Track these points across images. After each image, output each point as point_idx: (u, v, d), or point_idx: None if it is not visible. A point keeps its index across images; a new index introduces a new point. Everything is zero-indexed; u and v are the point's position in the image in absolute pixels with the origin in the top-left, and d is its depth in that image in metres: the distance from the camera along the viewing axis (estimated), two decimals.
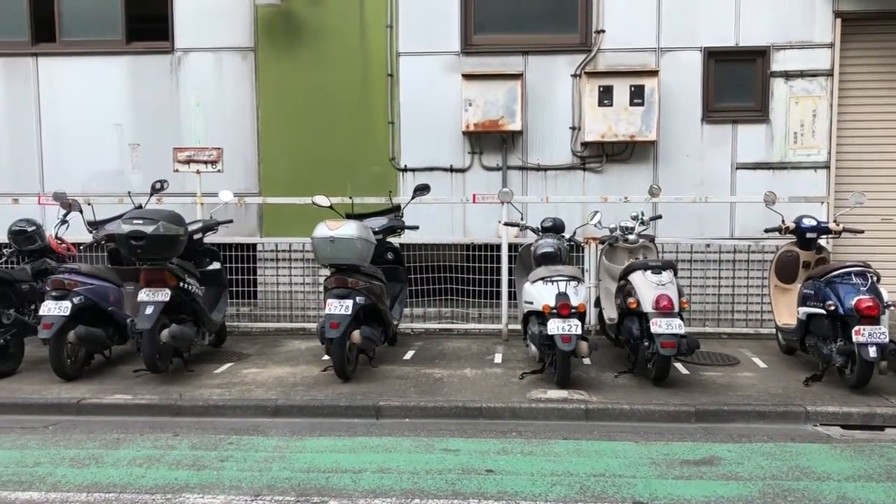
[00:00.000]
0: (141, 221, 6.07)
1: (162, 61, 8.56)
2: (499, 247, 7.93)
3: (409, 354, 7.22)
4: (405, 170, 8.45)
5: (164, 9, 8.52)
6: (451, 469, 4.53)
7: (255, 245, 8.51)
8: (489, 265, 8.09)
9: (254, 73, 8.49)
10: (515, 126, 8.10)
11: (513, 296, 7.80)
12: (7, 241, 7.29)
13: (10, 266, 7.21)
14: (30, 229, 7.27)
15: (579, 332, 5.84)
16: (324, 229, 6.21)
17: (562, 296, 5.92)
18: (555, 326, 5.83)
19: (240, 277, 8.31)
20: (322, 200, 6.98)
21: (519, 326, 6.89)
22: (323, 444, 5.03)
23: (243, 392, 6.04)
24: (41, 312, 6.28)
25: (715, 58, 8.19)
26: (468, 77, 8.14)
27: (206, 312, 6.83)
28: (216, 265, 7.37)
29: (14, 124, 8.69)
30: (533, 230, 7.03)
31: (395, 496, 4.14)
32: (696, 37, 8.17)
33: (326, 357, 7.08)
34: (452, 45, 8.34)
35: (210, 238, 7.36)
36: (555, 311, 5.88)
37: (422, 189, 7.30)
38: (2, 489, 4.28)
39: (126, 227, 6.06)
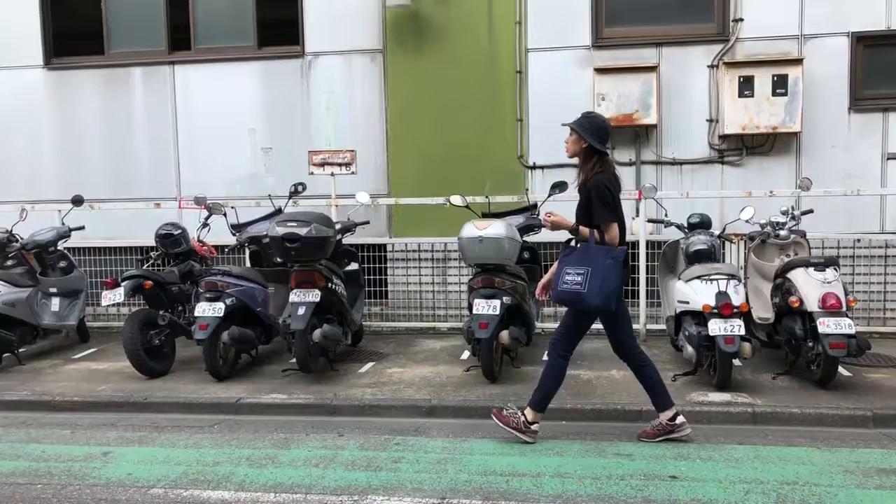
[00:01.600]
0: (295, 224, 6.16)
1: (293, 65, 8.70)
2: (633, 244, 7.74)
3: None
4: (534, 167, 8.36)
5: (294, 13, 8.66)
6: (632, 474, 4.41)
7: (384, 245, 8.56)
8: None
9: (382, 74, 8.54)
10: (650, 120, 7.89)
11: (651, 294, 7.62)
12: (154, 244, 7.52)
13: (157, 269, 7.44)
14: (175, 232, 7.47)
15: (742, 332, 5.62)
16: (472, 229, 6.17)
17: (722, 295, 5.71)
18: (717, 327, 5.62)
19: (370, 277, 8.36)
20: (458, 200, 6.95)
21: (657, 326, 6.75)
22: (490, 447, 4.97)
23: (394, 392, 6.05)
24: (196, 314, 6.43)
25: (864, 43, 7.79)
26: (600, 71, 7.98)
27: (350, 312, 6.90)
28: (354, 266, 7.44)
29: (153, 131, 8.98)
30: (678, 227, 6.82)
31: (584, 502, 4.04)
32: (844, 21, 7.78)
33: (465, 357, 7.09)
34: (583, 40, 8.19)
35: (345, 239, 7.43)
36: (715, 310, 5.67)
37: (558, 186, 7.16)
38: (193, 488, 4.38)
39: (280, 230, 6.16)
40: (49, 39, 9.11)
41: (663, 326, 7.22)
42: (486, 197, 7.23)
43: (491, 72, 8.36)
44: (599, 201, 4.68)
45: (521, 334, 6.32)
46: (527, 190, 7.93)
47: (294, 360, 6.64)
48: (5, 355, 7.25)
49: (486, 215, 6.89)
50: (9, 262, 7.56)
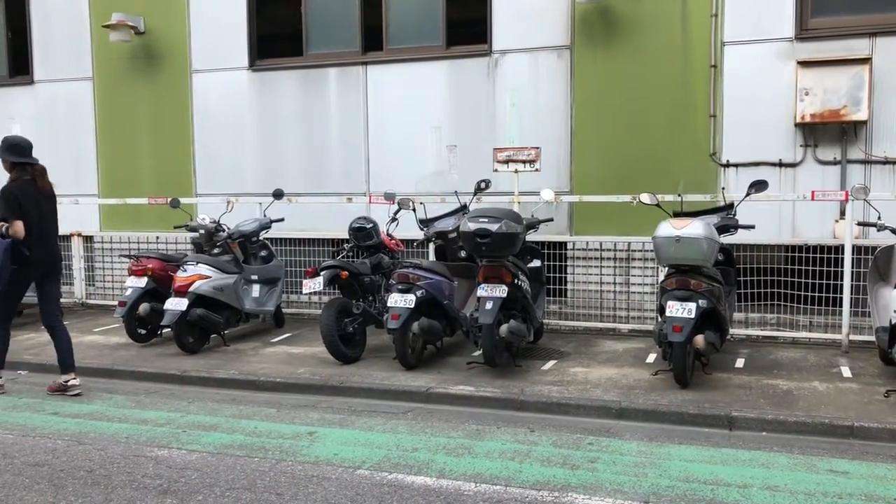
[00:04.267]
0: (486, 220, 6.25)
1: (479, 64, 8.82)
2: (835, 248, 7.25)
3: (740, 362, 6.80)
4: (727, 165, 8.00)
5: (483, 12, 8.77)
6: (850, 493, 4.12)
7: (564, 243, 8.50)
8: (821, 268, 7.40)
9: (569, 71, 8.48)
10: (860, 115, 7.33)
11: (856, 303, 7.09)
12: (347, 236, 7.87)
13: (350, 260, 7.76)
14: (368, 226, 7.77)
15: None
16: (668, 228, 5.99)
17: None
18: None
19: (549, 275, 8.32)
20: (647, 198, 6.79)
21: (860, 337, 6.25)
22: (688, 453, 4.81)
23: (581, 391, 5.99)
24: (388, 304, 6.67)
25: None
26: (804, 64, 7.51)
27: (533, 308, 6.91)
28: (537, 263, 7.43)
29: (345, 129, 9.41)
30: (893, 231, 6.29)
31: None
32: None
33: (651, 360, 6.91)
34: (785, 31, 7.74)
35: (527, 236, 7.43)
36: None
37: (758, 185, 6.82)
38: (396, 471, 4.55)
39: (472, 225, 6.27)
40: (254, 43, 9.75)
41: (870, 337, 6.71)
42: (679, 195, 7.00)
43: (683, 67, 8.08)
44: (4, 203, 6.09)
45: (716, 339, 6.07)
46: (723, 189, 7.60)
47: (478, 352, 6.75)
48: (212, 336, 7.84)
49: (678, 214, 6.68)
50: (216, 251, 8.18)
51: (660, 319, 6.34)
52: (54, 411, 5.98)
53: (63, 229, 9.89)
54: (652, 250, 6.95)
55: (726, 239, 6.89)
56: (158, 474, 4.58)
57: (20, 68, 11.00)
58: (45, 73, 10.76)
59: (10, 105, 10.99)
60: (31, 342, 8.17)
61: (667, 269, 6.39)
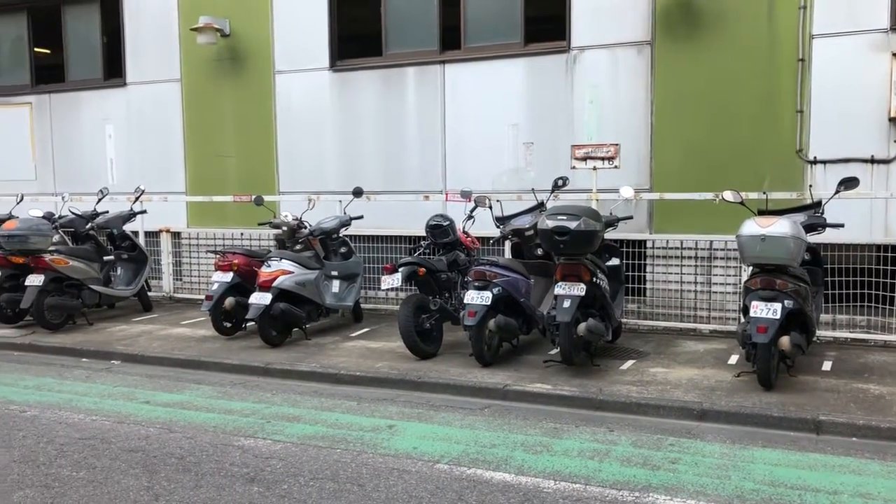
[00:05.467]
0: (565, 217, 6.23)
1: (557, 60, 8.78)
2: None
3: (827, 365, 6.58)
4: (814, 162, 7.75)
5: (561, 9, 8.73)
6: None
7: (644, 241, 8.38)
8: None
9: (649, 66, 8.35)
10: None
11: None
12: (424, 234, 7.95)
13: (427, 257, 7.84)
14: (445, 223, 7.83)
15: None
16: (753, 226, 5.85)
17: None
18: None
19: (627, 274, 8.21)
20: (731, 196, 6.63)
21: None
22: (773, 457, 4.70)
23: (661, 392, 5.91)
24: (465, 301, 6.71)
25: None
26: None
27: (612, 307, 6.84)
28: (616, 261, 7.35)
29: (422, 127, 9.50)
30: None
31: None
32: None
33: (733, 361, 6.76)
34: (879, 22, 7.44)
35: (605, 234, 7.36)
36: None
37: (847, 182, 6.57)
38: (475, 467, 4.59)
39: (550, 223, 6.25)
40: (335, 43, 9.94)
41: None
42: (764, 193, 6.82)
43: (768, 61, 7.86)
44: None
45: (802, 341, 5.90)
46: (810, 186, 7.37)
47: (555, 351, 6.73)
48: (294, 330, 8.04)
49: (763, 212, 6.51)
50: (297, 247, 8.38)
51: (743, 320, 6.19)
52: (146, 400, 6.25)
53: (152, 225, 10.42)
54: (735, 249, 6.81)
55: (813, 238, 6.67)
56: (245, 463, 4.74)
57: (114, 71, 11.50)
58: (137, 75, 11.22)
59: (104, 106, 11.50)
60: (123, 333, 8.54)
61: (751, 268, 6.24)
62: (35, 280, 8.37)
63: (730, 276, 7.96)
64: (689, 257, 8.18)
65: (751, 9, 7.89)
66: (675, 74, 8.25)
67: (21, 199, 10.33)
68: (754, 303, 5.81)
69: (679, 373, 6.46)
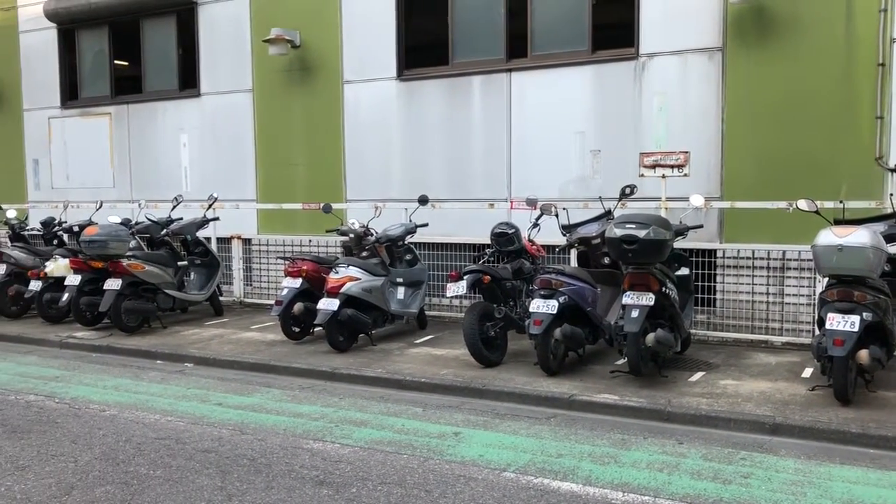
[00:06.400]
0: (633, 226, 6.16)
1: (625, 68, 8.70)
2: None
3: None
4: (895, 170, 7.48)
5: (630, 16, 8.64)
6: None
7: (714, 251, 8.22)
8: None
9: (720, 73, 8.20)
10: None
11: None
12: (489, 241, 7.96)
13: (492, 265, 7.85)
14: (510, 231, 7.84)
15: None
16: (830, 236, 5.69)
17: None
18: None
19: (697, 284, 8.06)
20: (805, 205, 6.46)
21: None
22: (852, 475, 4.55)
23: (732, 405, 5.78)
24: (531, 309, 6.68)
25: None
26: None
27: (681, 318, 6.73)
28: (685, 270, 7.23)
29: (488, 136, 9.52)
30: None
31: None
32: None
33: (807, 374, 6.57)
34: None
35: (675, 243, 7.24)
36: None
37: None
38: (542, 476, 4.57)
39: (619, 231, 6.20)
40: (402, 53, 10.06)
41: None
42: (840, 202, 6.63)
43: (846, 66, 7.64)
44: None
45: (881, 355, 5.70)
46: (891, 195, 7.12)
47: (622, 361, 6.65)
48: (360, 336, 8.14)
49: (840, 222, 6.32)
50: (364, 254, 8.50)
51: (818, 332, 6.02)
52: (219, 402, 6.41)
53: (223, 232, 10.70)
54: (809, 259, 6.63)
55: (895, 249, 6.45)
56: (314, 465, 4.82)
57: (188, 82, 11.86)
58: (210, 86, 11.55)
59: (179, 116, 11.87)
60: (196, 337, 8.79)
61: (826, 279, 6.06)
62: (113, 284, 8.69)
63: (803, 286, 7.74)
64: (762, 267, 7.99)
65: (827, 12, 7.68)
66: (747, 80, 8.08)
67: (100, 206, 10.75)
68: (830, 315, 5.64)
69: (750, 385, 6.31)
